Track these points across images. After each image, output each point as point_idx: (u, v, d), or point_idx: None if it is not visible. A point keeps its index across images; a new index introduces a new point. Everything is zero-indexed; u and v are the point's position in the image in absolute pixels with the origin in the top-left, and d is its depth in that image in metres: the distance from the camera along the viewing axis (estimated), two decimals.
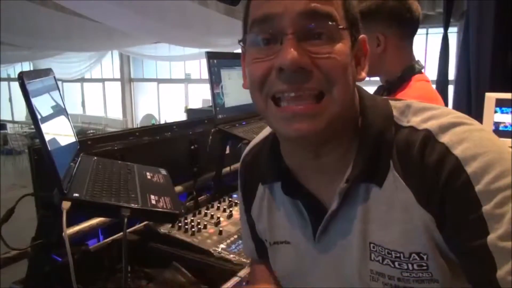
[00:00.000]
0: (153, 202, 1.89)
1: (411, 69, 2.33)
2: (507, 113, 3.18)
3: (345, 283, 1.21)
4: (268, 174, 1.35)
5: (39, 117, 1.60)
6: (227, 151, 3.30)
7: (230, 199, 3.00)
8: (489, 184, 0.95)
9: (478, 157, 0.97)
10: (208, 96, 3.18)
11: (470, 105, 4.84)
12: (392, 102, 1.19)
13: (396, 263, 1.09)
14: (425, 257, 1.05)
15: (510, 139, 2.84)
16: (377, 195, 1.12)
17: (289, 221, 1.33)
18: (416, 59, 2.40)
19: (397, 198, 1.08)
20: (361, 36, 1.16)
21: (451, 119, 1.06)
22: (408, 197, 1.06)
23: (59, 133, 1.88)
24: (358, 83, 1.19)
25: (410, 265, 1.07)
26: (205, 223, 2.53)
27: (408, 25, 2.32)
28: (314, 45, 1.03)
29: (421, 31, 9.59)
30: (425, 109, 1.13)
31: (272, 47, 1.05)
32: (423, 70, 2.37)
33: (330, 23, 1.03)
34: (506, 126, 3.20)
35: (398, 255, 1.08)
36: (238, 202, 1.58)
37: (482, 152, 0.98)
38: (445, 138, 1.02)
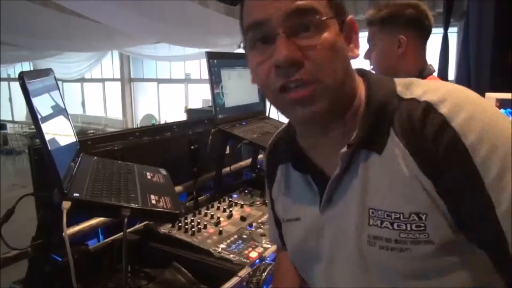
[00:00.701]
0: (153, 202, 1.89)
1: (427, 70, 2.53)
2: (507, 113, 3.18)
3: (346, 251, 1.25)
4: (284, 156, 1.47)
5: (39, 117, 1.60)
6: (227, 151, 3.31)
7: (230, 199, 3.00)
8: (487, 155, 1.00)
9: (474, 127, 1.02)
10: (208, 96, 3.18)
11: None
12: (397, 79, 1.26)
13: (395, 225, 1.13)
14: (423, 217, 1.09)
15: None
16: (377, 161, 1.17)
17: (300, 198, 1.40)
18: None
19: (398, 164, 1.13)
20: (349, 17, 1.24)
21: (451, 88, 1.14)
22: (409, 162, 1.11)
23: (59, 133, 1.88)
24: None
25: (408, 225, 1.11)
26: (205, 223, 2.53)
27: (424, 30, 2.52)
28: (304, 37, 1.12)
29: None
30: (427, 83, 1.19)
31: (268, 48, 1.14)
32: (434, 74, 2.56)
33: (314, 16, 1.12)
34: None
35: (397, 215, 1.12)
36: (266, 188, 1.62)
37: (477, 119, 1.04)
38: (444, 109, 1.07)
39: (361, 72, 1.31)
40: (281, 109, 1.24)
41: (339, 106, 1.19)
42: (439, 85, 1.17)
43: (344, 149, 1.17)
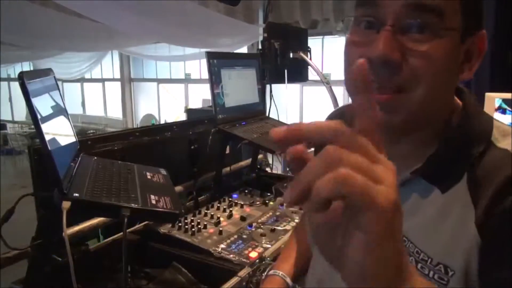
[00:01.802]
0: (153, 202, 1.89)
1: None
2: (507, 114, 3.18)
3: None
4: None
5: (39, 117, 1.60)
6: (227, 151, 3.31)
7: (230, 199, 3.00)
8: None
9: None
10: (208, 96, 3.18)
11: None
12: (496, 122, 1.13)
13: (419, 265, 1.06)
14: (451, 273, 1.01)
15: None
16: (435, 198, 1.08)
17: None
18: None
19: (455, 210, 1.04)
20: (481, 32, 1.09)
21: None
22: (468, 215, 1.01)
23: (59, 133, 1.88)
24: None
25: (431, 273, 1.04)
26: (205, 223, 2.53)
27: None
28: (412, 40, 1.00)
29: None
30: None
31: (370, 34, 1.03)
32: None
33: (435, 19, 0.98)
34: None
35: (426, 258, 1.06)
36: None
37: None
38: None
39: (459, 91, 1.18)
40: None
41: (417, 124, 1.08)
42: None
43: (407, 175, 1.10)
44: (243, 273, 2.07)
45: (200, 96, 13.83)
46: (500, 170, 0.98)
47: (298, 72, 4.18)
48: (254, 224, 2.59)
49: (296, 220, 2.65)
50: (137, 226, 2.54)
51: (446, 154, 1.08)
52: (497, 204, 0.96)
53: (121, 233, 1.73)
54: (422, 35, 0.99)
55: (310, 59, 4.11)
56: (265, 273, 1.91)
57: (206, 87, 3.15)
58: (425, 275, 1.04)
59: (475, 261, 0.98)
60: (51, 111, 1.85)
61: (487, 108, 3.11)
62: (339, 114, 1.55)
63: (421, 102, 1.01)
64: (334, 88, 4.44)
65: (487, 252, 0.97)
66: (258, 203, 2.94)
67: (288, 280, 1.68)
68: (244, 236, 2.43)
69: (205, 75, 3.39)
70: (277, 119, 3.77)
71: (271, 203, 2.95)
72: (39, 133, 1.59)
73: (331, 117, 1.56)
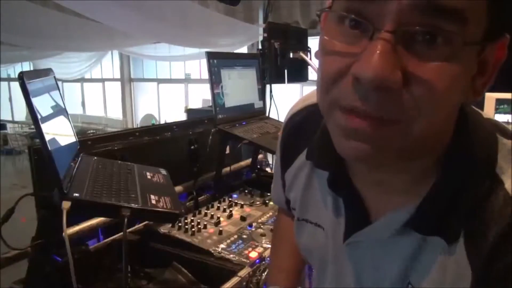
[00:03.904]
0: (153, 202, 1.89)
1: None
2: (508, 113, 3.18)
3: None
4: (316, 156, 1.11)
5: (39, 117, 1.60)
6: (227, 151, 3.31)
7: (230, 199, 3.00)
8: None
9: None
10: (208, 96, 3.19)
11: None
12: (501, 138, 0.90)
13: None
14: None
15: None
16: (437, 241, 0.88)
17: (325, 207, 1.14)
18: None
19: (451, 267, 0.86)
20: (505, 37, 0.79)
21: None
22: (463, 276, 0.84)
23: (59, 133, 1.88)
24: None
25: None
26: (205, 223, 2.53)
27: None
28: (417, 55, 0.70)
29: None
30: None
31: (359, 36, 0.74)
32: None
33: (454, 27, 0.68)
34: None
35: None
36: (276, 154, 1.44)
37: None
38: None
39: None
40: (332, 128, 0.84)
41: (411, 158, 0.85)
42: None
43: (396, 226, 0.93)
44: (243, 273, 2.07)
45: (200, 96, 13.84)
46: (499, 222, 0.80)
47: (298, 72, 4.18)
48: (254, 224, 2.59)
49: None
50: (137, 226, 2.54)
51: (438, 199, 0.87)
52: (493, 264, 0.80)
53: (121, 233, 1.73)
54: (432, 50, 0.70)
55: (310, 59, 4.11)
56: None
57: (206, 87, 3.15)
58: None
59: None
60: (51, 111, 1.85)
61: (487, 109, 3.12)
62: (301, 121, 1.27)
63: (417, 137, 0.76)
64: None
65: None
66: (258, 203, 2.94)
67: None
68: (244, 236, 2.43)
69: (205, 75, 3.39)
70: (277, 119, 3.76)
71: (271, 203, 2.94)
72: (39, 133, 1.59)
73: (290, 124, 1.31)
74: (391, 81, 0.69)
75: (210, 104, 3.17)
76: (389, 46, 0.68)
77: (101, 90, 18.38)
